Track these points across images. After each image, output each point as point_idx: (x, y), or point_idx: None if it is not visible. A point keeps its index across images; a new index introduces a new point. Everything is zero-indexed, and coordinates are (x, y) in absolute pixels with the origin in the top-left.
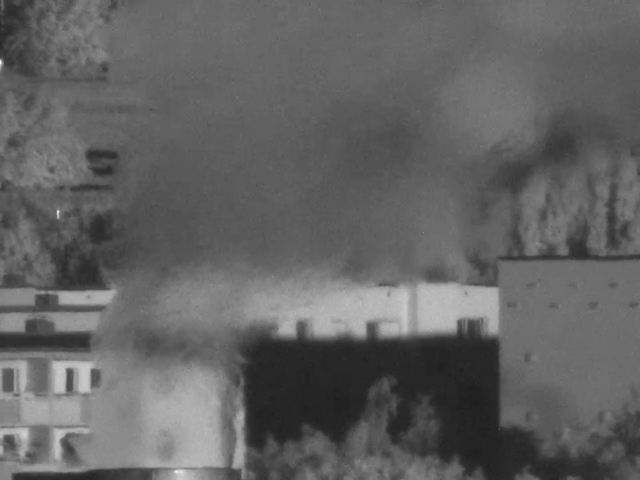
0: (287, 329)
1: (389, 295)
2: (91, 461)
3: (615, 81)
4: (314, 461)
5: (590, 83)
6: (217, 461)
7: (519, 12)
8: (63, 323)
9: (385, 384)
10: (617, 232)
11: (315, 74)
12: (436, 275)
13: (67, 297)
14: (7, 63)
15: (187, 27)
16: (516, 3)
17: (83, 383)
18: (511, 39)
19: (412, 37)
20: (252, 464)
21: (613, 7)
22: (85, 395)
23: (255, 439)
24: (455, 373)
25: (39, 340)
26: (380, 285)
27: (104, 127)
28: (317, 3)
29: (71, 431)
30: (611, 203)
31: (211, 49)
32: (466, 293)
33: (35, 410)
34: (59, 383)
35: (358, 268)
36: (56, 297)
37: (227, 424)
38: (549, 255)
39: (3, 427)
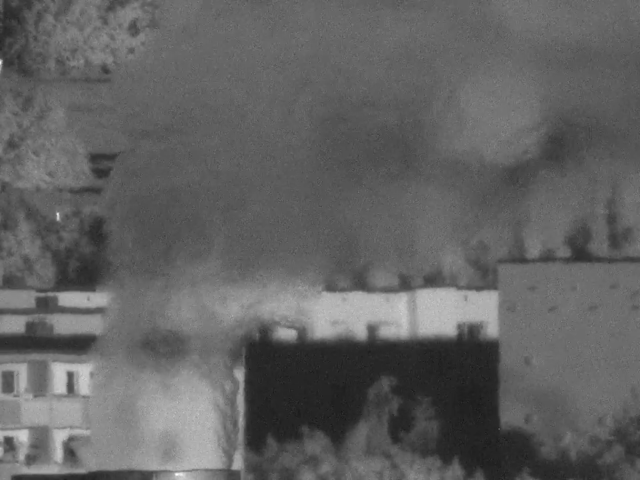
0: (286, 330)
1: (387, 300)
2: (91, 463)
3: (618, 86)
4: (313, 462)
5: (593, 87)
6: (216, 462)
7: (521, 14)
8: (63, 325)
9: (385, 385)
10: (618, 235)
11: (316, 74)
12: (435, 278)
13: (67, 299)
14: (5, 63)
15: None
16: (518, 5)
17: (83, 385)
18: (513, 41)
19: (412, 37)
20: (251, 465)
21: (615, 10)
22: (85, 397)
23: (254, 440)
24: (455, 376)
25: (39, 342)
26: (379, 290)
27: (102, 128)
28: (317, 4)
29: (72, 433)
30: (612, 207)
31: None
32: (465, 297)
33: (34, 412)
34: (59, 384)
35: (356, 271)
36: (56, 299)
37: (227, 425)
38: (548, 257)
39: (3, 429)
